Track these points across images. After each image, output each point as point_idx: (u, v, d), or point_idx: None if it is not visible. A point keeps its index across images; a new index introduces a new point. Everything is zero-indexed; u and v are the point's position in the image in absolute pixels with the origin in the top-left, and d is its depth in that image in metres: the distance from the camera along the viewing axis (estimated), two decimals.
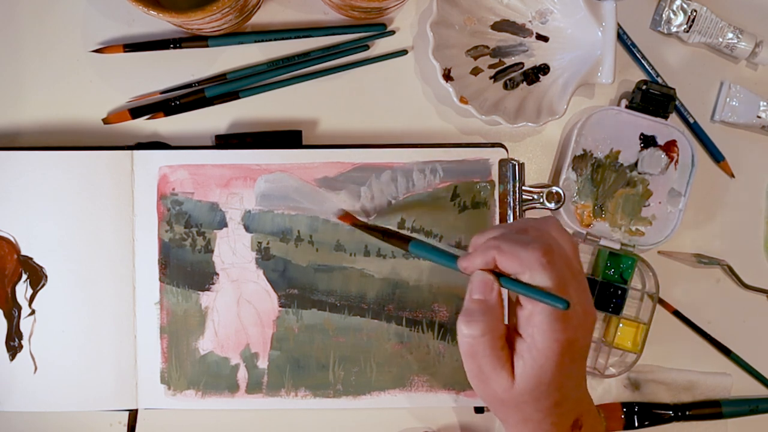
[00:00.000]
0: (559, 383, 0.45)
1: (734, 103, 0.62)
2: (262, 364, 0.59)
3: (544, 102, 0.60)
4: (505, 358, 0.45)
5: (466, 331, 0.45)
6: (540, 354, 0.43)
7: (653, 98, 0.60)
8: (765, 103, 0.62)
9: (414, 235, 0.59)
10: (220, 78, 0.60)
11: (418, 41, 0.62)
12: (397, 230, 0.54)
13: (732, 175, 0.64)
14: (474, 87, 0.60)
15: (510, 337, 0.45)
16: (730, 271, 0.62)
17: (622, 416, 0.61)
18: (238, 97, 0.60)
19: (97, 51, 0.60)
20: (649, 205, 0.61)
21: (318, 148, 0.59)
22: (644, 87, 0.60)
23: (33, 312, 0.58)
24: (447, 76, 0.59)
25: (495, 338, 0.45)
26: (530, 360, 0.44)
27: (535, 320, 0.43)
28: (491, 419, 0.62)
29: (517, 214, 0.59)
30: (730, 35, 0.62)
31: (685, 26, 0.62)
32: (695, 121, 0.63)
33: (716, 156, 0.63)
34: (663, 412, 0.61)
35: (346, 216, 0.58)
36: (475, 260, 0.46)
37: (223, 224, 0.58)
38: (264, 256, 0.58)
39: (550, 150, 0.63)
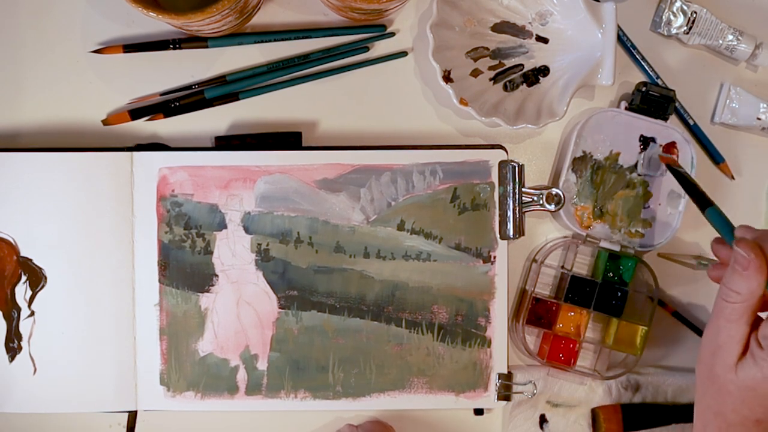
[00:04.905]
0: None
1: (734, 104, 0.62)
2: (262, 365, 0.59)
3: (544, 104, 0.60)
4: (744, 337, 0.47)
5: (726, 290, 0.47)
6: None
7: (653, 100, 0.60)
8: (765, 105, 0.62)
9: (413, 237, 0.59)
10: (220, 79, 0.60)
11: (418, 43, 0.62)
12: (702, 191, 0.55)
13: (732, 177, 0.64)
14: (474, 89, 0.60)
15: (752, 336, 0.47)
16: None
17: (622, 418, 0.61)
18: (238, 99, 0.60)
19: (96, 51, 0.60)
20: (648, 206, 0.61)
21: (318, 149, 0.59)
22: (644, 89, 0.60)
23: (32, 313, 0.58)
24: (447, 78, 0.59)
25: (749, 312, 0.47)
26: (760, 365, 0.46)
27: None
28: (490, 421, 0.62)
29: (517, 215, 0.59)
30: (730, 37, 0.62)
31: (685, 28, 0.62)
32: (695, 123, 0.63)
33: (716, 158, 0.63)
34: (663, 413, 0.61)
35: (668, 158, 0.59)
36: (751, 233, 0.48)
37: (222, 226, 0.58)
38: (264, 258, 0.58)
39: (549, 152, 0.63)
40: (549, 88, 0.61)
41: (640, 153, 0.61)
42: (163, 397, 0.58)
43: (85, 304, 0.58)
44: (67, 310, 0.58)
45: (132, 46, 0.60)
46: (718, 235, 0.51)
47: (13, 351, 0.58)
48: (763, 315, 0.48)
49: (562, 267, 0.61)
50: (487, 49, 0.61)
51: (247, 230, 0.58)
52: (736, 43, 0.62)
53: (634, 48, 0.62)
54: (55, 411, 0.59)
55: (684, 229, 0.62)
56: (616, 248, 0.60)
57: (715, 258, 0.62)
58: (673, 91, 0.60)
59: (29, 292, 0.58)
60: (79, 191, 0.58)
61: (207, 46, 0.60)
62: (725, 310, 0.48)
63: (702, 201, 0.53)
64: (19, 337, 0.58)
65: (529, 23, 0.62)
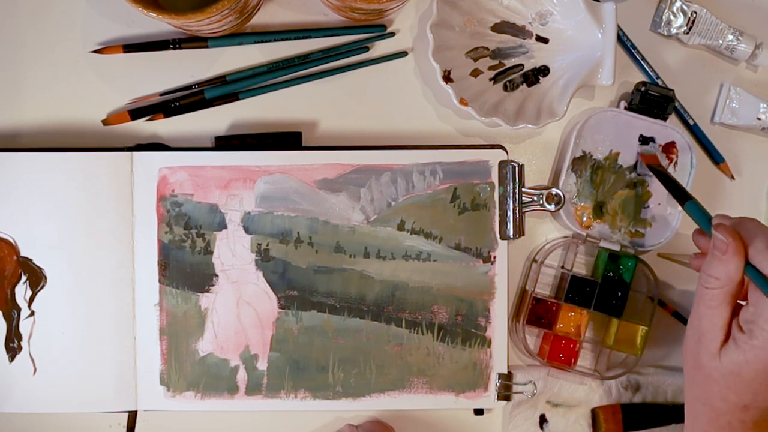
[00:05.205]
0: (756, 389, 0.46)
1: (734, 105, 0.62)
2: (262, 365, 0.59)
3: (543, 104, 0.60)
4: (725, 324, 0.47)
5: (705, 278, 0.48)
6: (752, 349, 0.45)
7: (652, 100, 0.60)
8: (765, 105, 0.62)
9: (413, 237, 0.59)
10: (220, 79, 0.60)
11: (418, 43, 0.62)
12: (681, 186, 0.56)
13: (732, 177, 0.64)
14: (474, 89, 0.60)
15: (734, 321, 0.48)
16: None
17: (622, 418, 0.61)
18: (238, 99, 0.60)
19: (96, 51, 0.60)
20: (648, 206, 0.61)
21: (318, 149, 0.59)
22: (644, 89, 0.60)
23: (32, 313, 0.58)
24: (447, 78, 0.59)
25: (729, 297, 0.47)
26: (742, 348, 0.46)
27: (760, 317, 0.45)
28: (490, 421, 0.62)
29: (517, 215, 0.59)
30: (730, 37, 0.62)
31: (685, 28, 0.62)
32: (695, 123, 0.63)
33: (716, 158, 0.63)
34: (663, 413, 0.61)
35: (651, 157, 0.59)
36: (727, 222, 0.48)
37: (222, 226, 0.58)
38: (264, 258, 0.58)
39: (549, 151, 0.63)
40: (549, 88, 0.61)
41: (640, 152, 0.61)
42: (163, 397, 0.58)
43: (85, 304, 0.58)
44: (67, 310, 0.58)
45: (132, 46, 0.60)
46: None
47: (13, 351, 0.58)
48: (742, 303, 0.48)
49: (562, 267, 0.61)
50: (487, 49, 0.61)
51: (247, 230, 0.58)
52: (736, 43, 0.62)
53: (634, 48, 0.62)
54: (55, 411, 0.59)
55: (684, 229, 0.62)
56: (616, 248, 0.60)
57: None
58: (673, 91, 0.60)
59: (29, 292, 0.58)
60: (79, 191, 0.58)
61: (207, 46, 0.60)
62: (705, 296, 0.48)
63: (681, 195, 0.54)
64: (19, 337, 0.58)
65: (529, 23, 0.62)
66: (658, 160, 0.60)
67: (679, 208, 0.60)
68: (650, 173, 0.61)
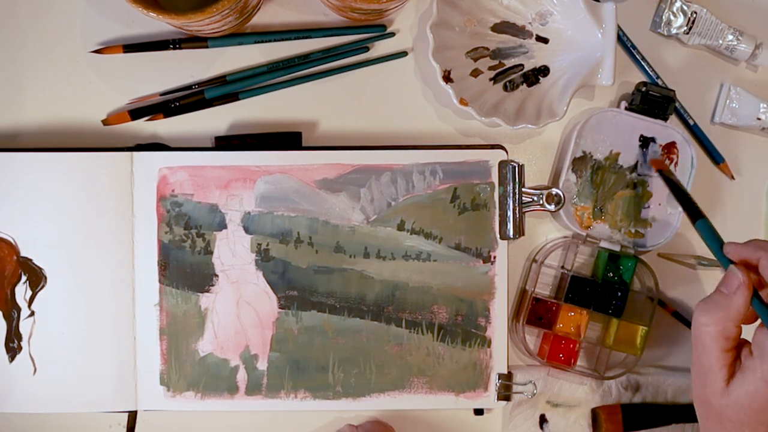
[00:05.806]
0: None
1: (734, 105, 0.62)
2: (262, 365, 0.59)
3: (543, 104, 0.60)
4: (728, 360, 0.46)
5: (696, 316, 0.46)
6: (764, 377, 0.44)
7: (653, 100, 0.60)
8: (765, 105, 0.62)
9: (413, 237, 0.59)
10: (220, 79, 0.60)
11: (418, 43, 0.62)
12: (693, 201, 0.55)
13: (732, 177, 0.64)
14: (474, 89, 0.60)
15: (743, 352, 0.46)
16: None
17: (622, 418, 0.61)
18: (238, 99, 0.60)
19: (96, 52, 0.60)
20: (648, 206, 0.61)
21: (318, 149, 0.59)
22: (644, 89, 0.60)
23: (32, 313, 0.58)
24: (447, 78, 0.59)
25: (723, 336, 0.46)
26: (753, 377, 0.44)
27: None
28: (490, 421, 0.62)
29: (517, 215, 0.59)
30: (730, 37, 0.62)
31: (685, 28, 0.62)
32: (695, 123, 0.63)
33: (716, 158, 0.63)
34: (663, 413, 0.61)
35: (660, 162, 0.59)
36: (740, 250, 0.47)
37: (222, 226, 0.58)
38: (264, 258, 0.58)
39: (549, 152, 0.63)
40: (549, 88, 0.61)
41: (640, 152, 0.61)
42: (163, 397, 0.58)
43: (85, 304, 0.58)
44: (67, 310, 0.58)
45: (132, 46, 0.60)
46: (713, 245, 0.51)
47: (13, 351, 0.58)
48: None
49: (562, 267, 0.61)
50: (487, 49, 0.61)
51: (247, 230, 0.58)
52: (736, 43, 0.62)
53: (634, 48, 0.62)
54: (55, 411, 0.59)
55: (684, 229, 0.62)
56: (616, 248, 0.60)
57: (713, 258, 0.62)
58: (673, 91, 0.60)
59: (29, 292, 0.58)
60: (79, 191, 0.58)
61: (207, 46, 0.60)
62: (699, 335, 0.47)
63: (693, 212, 0.53)
64: (19, 337, 0.58)
65: (529, 23, 0.62)
66: (668, 166, 0.60)
67: (680, 208, 0.60)
68: (652, 174, 0.61)
